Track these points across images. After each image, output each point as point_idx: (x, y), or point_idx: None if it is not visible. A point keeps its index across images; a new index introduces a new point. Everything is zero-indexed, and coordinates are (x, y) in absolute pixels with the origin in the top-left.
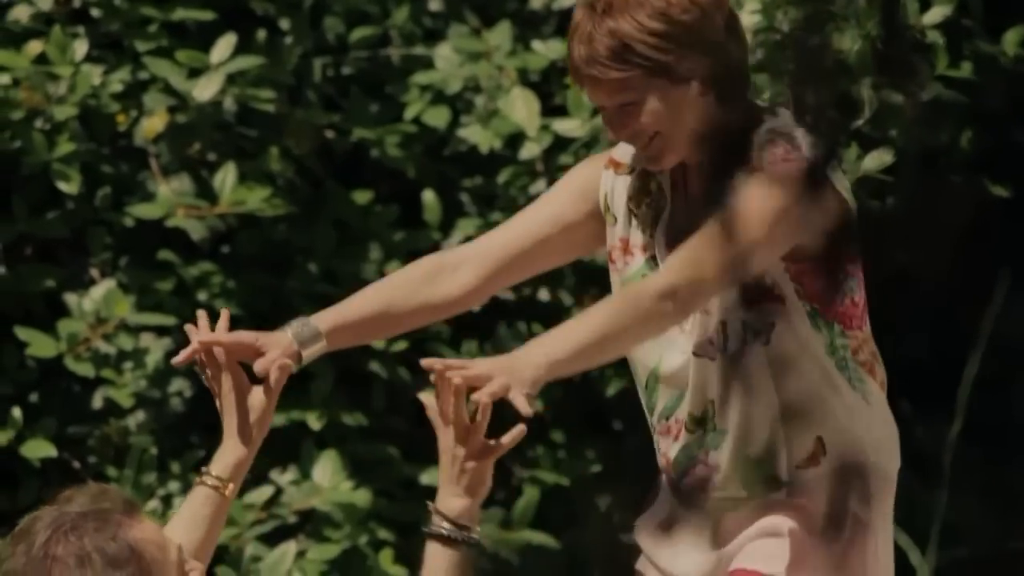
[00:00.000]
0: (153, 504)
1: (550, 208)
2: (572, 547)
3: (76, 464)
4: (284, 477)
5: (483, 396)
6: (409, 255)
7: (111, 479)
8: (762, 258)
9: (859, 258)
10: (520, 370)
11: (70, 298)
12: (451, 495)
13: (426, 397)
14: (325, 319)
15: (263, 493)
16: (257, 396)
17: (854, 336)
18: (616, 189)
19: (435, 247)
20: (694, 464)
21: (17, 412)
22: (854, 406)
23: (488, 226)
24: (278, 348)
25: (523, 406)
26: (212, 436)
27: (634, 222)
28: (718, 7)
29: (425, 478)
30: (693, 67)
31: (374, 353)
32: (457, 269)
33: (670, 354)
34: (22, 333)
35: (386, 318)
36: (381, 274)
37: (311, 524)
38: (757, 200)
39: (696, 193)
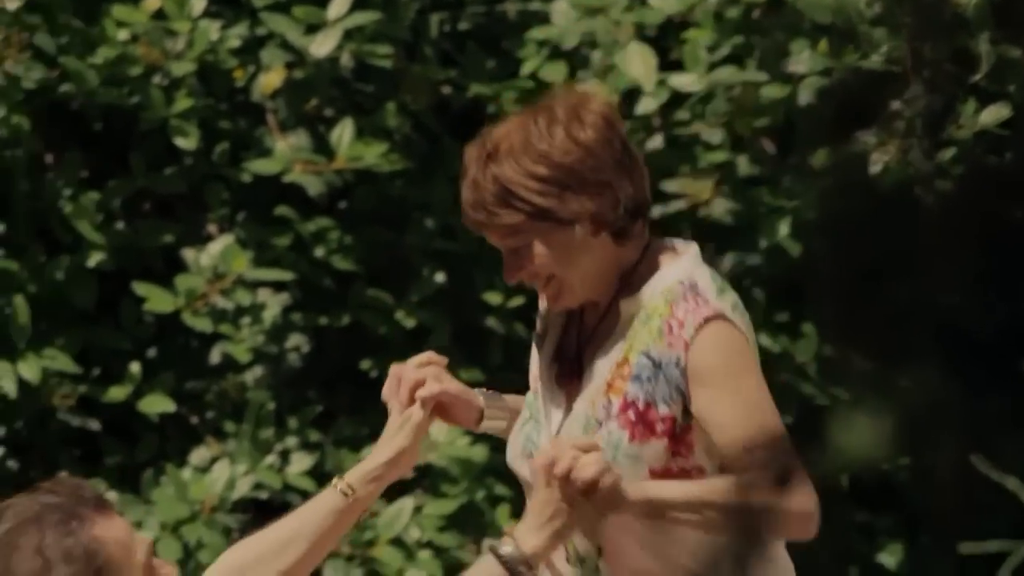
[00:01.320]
0: (271, 459)
1: None
2: None
3: (194, 419)
4: None
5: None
6: None
7: (228, 434)
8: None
9: None
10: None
11: (188, 253)
12: (533, 531)
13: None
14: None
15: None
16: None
17: None
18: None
19: None
20: None
21: (135, 367)
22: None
23: None
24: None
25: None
26: (330, 392)
27: (535, 351)
28: (606, 144)
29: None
30: (577, 209)
31: (490, 309)
32: None
33: None
34: (140, 288)
35: None
36: None
37: (428, 479)
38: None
39: (589, 325)
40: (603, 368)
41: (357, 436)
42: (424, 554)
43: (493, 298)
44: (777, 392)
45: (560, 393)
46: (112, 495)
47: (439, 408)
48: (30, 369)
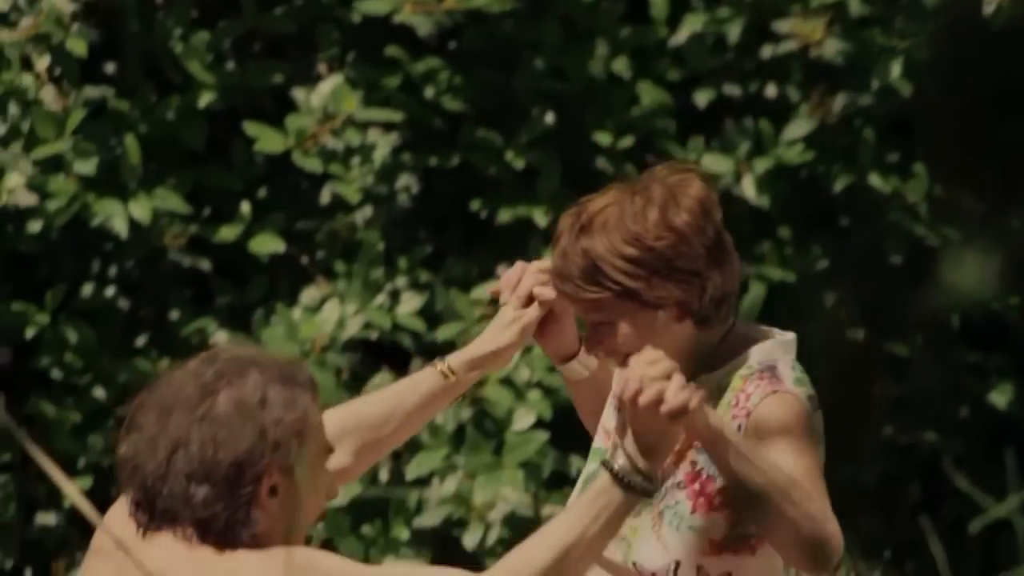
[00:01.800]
0: (380, 299)
1: None
2: (798, 343)
3: (304, 259)
4: None
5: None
6: (634, 51)
7: (338, 274)
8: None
9: None
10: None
11: (298, 93)
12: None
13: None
14: None
15: (490, 288)
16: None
17: None
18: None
19: (661, 44)
20: None
21: (246, 207)
22: None
23: (715, 23)
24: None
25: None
26: (439, 232)
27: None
28: (699, 232)
29: None
30: (663, 295)
31: (600, 149)
32: None
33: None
34: (251, 128)
35: None
36: (607, 70)
37: None
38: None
39: None
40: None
41: (467, 276)
42: (533, 394)
43: (603, 138)
44: (888, 232)
45: None
46: (222, 335)
47: (542, 322)
48: (141, 209)
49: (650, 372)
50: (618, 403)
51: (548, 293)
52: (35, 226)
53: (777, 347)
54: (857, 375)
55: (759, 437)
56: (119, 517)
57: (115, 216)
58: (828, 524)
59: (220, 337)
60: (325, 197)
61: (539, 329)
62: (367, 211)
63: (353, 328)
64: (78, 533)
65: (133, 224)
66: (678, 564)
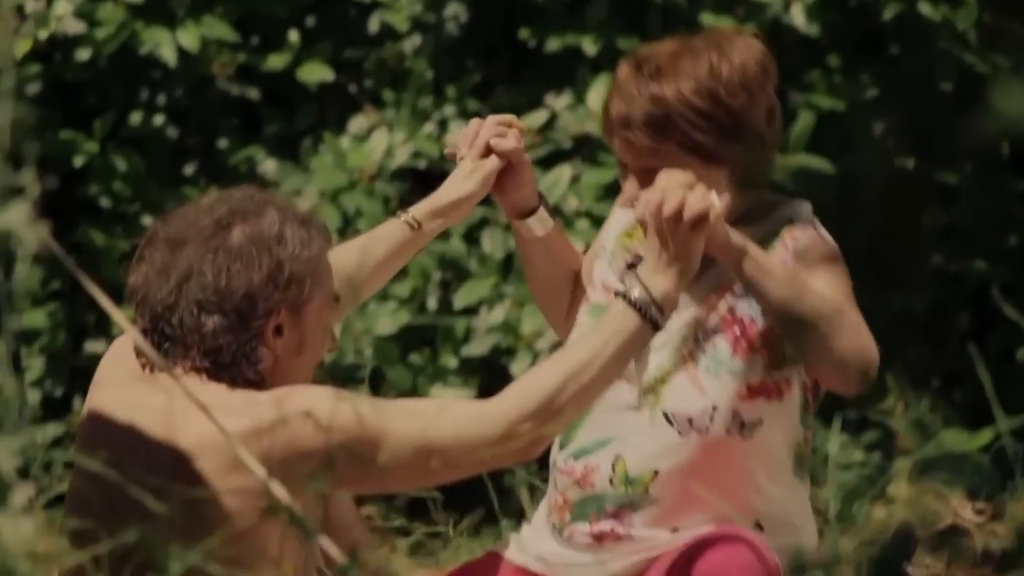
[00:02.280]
0: (429, 128)
1: None
2: (846, 171)
3: (352, 88)
4: (559, 101)
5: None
6: None
7: (387, 103)
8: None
9: None
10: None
11: None
12: (657, 274)
13: None
14: None
15: (538, 117)
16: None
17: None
18: (616, 219)
19: None
20: (600, 517)
21: (294, 35)
22: (803, 504)
23: None
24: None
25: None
26: (488, 60)
27: (609, 258)
28: (764, 92)
29: None
30: (728, 154)
31: None
32: None
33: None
34: None
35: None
36: None
37: (586, 149)
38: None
39: None
40: (712, 278)
41: (515, 104)
42: (582, 223)
43: None
44: (938, 60)
45: None
46: (271, 163)
47: (501, 175)
48: (189, 37)
49: (673, 182)
50: (637, 225)
51: (505, 144)
52: (83, 54)
53: (805, 206)
54: (906, 204)
55: (803, 262)
56: (123, 352)
57: (163, 44)
58: (871, 350)
59: (268, 166)
60: (373, 25)
61: (498, 182)
62: (415, 39)
63: (402, 157)
64: None
65: (181, 52)
66: (715, 409)
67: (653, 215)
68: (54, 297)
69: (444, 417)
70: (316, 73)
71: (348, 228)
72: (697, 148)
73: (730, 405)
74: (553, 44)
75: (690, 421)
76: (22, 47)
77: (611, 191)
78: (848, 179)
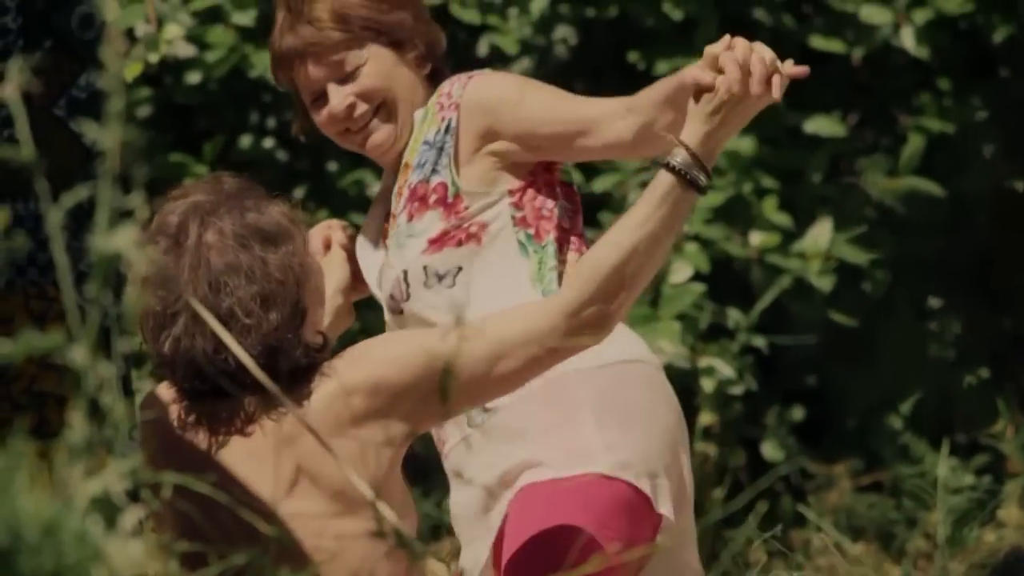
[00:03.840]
0: None
1: None
2: (957, 194)
3: None
4: None
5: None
6: None
7: None
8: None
9: (572, 185)
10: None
11: None
12: (698, 123)
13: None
14: None
15: None
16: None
17: (565, 260)
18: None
19: None
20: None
21: None
22: None
23: None
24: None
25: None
26: (597, 83)
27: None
28: None
29: (810, 126)
30: (410, 34)
31: (760, 1)
32: None
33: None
34: None
35: None
36: None
37: None
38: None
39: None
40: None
41: None
42: (691, 247)
43: None
44: None
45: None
46: (378, 187)
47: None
48: None
49: (767, 54)
50: (679, 91)
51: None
52: (194, 77)
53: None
54: (1016, 226)
55: (487, 114)
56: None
57: None
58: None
59: (376, 189)
60: (483, 48)
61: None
62: (525, 62)
63: None
64: None
65: None
66: (405, 272)
67: (708, 59)
68: None
69: (509, 321)
70: None
71: None
72: (382, 30)
73: (419, 263)
74: (662, 67)
75: (392, 297)
76: (133, 70)
77: (720, 214)
78: (958, 202)
